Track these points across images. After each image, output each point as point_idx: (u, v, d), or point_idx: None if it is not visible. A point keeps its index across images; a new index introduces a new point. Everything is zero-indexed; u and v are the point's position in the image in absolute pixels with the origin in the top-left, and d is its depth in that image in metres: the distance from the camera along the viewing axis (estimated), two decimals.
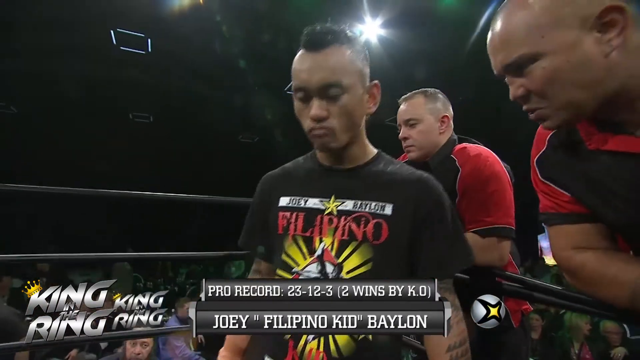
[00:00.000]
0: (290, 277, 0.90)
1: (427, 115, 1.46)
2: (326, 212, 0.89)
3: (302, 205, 0.92)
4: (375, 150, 0.99)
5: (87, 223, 6.72)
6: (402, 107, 1.52)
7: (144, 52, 4.60)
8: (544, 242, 7.21)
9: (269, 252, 0.99)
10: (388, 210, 0.87)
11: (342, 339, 0.85)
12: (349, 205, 0.89)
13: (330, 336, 0.85)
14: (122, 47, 4.55)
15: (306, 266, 0.89)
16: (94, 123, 5.54)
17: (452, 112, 1.52)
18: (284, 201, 0.95)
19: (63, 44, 4.36)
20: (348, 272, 0.86)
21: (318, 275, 0.88)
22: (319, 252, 0.88)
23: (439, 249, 0.89)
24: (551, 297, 1.09)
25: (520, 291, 1.18)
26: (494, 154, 1.41)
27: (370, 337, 0.85)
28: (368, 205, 0.88)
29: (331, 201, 0.90)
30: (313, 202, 0.91)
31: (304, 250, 0.89)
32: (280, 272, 0.93)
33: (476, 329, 1.36)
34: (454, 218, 0.92)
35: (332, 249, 0.88)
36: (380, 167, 0.95)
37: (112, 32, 4.44)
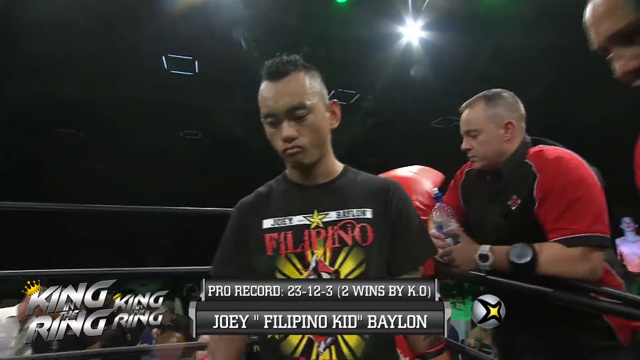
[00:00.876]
0: None
1: (488, 125, 1.35)
2: (313, 226, 0.95)
3: (287, 223, 0.97)
4: (342, 165, 1.07)
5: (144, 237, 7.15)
6: (463, 115, 1.42)
7: (191, 74, 4.89)
8: (624, 247, 6.41)
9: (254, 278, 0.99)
10: (369, 214, 0.96)
11: (352, 340, 0.88)
12: (332, 216, 0.96)
13: (341, 341, 0.88)
14: (172, 71, 4.86)
15: None
16: (148, 141, 5.94)
17: (521, 114, 1.38)
18: (268, 223, 0.98)
19: (121, 71, 4.76)
20: (346, 276, 0.91)
21: None
22: (312, 264, 0.92)
23: (409, 243, 0.99)
24: None
25: (620, 309, 1.04)
26: (578, 156, 1.27)
27: None
28: (350, 213, 0.96)
29: (315, 215, 0.96)
30: (298, 219, 0.96)
31: (298, 266, 0.93)
32: None
33: (578, 353, 1.23)
34: (418, 217, 1.04)
35: (324, 258, 0.92)
36: (351, 179, 1.03)
37: (163, 57, 4.78)
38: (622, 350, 1.23)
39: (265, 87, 0.95)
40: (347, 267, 0.92)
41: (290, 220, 0.96)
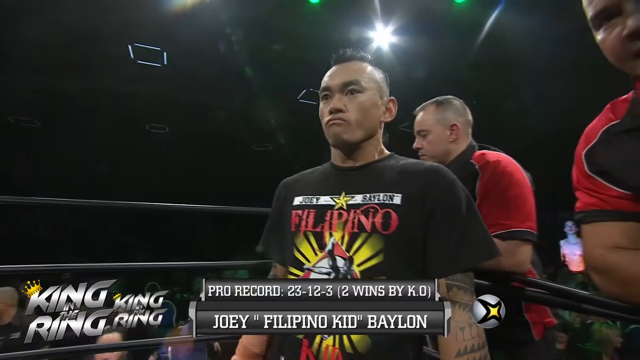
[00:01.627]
0: (301, 274, 0.92)
1: (436, 126, 1.51)
2: (336, 208, 0.92)
3: (314, 202, 0.96)
4: (388, 152, 1.04)
5: (105, 233, 6.86)
6: (417, 117, 1.57)
7: (159, 65, 4.72)
8: (566, 249, 6.99)
9: (283, 254, 1.00)
10: (397, 200, 0.87)
11: (356, 335, 0.83)
12: (358, 199, 0.91)
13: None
14: (139, 61, 4.67)
15: (317, 262, 0.90)
16: (113, 134, 5.69)
17: (467, 119, 1.55)
18: (297, 200, 0.99)
19: (83, 59, 4.52)
20: (359, 265, 0.85)
21: (330, 270, 0.89)
22: (329, 246, 0.89)
23: (448, 239, 0.85)
24: (578, 302, 1.02)
25: (545, 297, 1.13)
26: (514, 161, 1.41)
27: None
28: (376, 197, 0.89)
29: (341, 197, 0.93)
30: (324, 200, 0.95)
31: (315, 245, 0.91)
32: (291, 269, 0.94)
33: (494, 343, 1.33)
34: (469, 207, 0.89)
35: (342, 242, 0.88)
36: (391, 163, 0.98)
37: (129, 46, 4.58)
38: (534, 344, 1.38)
39: (329, 70, 1.01)
40: (362, 255, 0.86)
41: (317, 199, 0.96)
